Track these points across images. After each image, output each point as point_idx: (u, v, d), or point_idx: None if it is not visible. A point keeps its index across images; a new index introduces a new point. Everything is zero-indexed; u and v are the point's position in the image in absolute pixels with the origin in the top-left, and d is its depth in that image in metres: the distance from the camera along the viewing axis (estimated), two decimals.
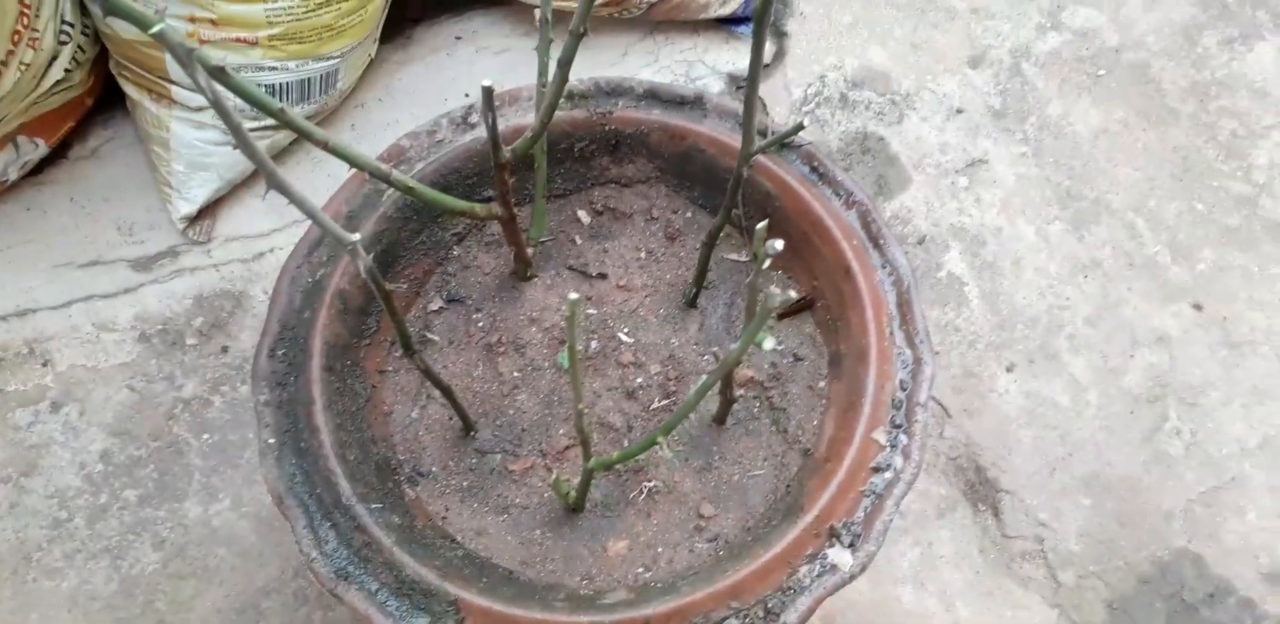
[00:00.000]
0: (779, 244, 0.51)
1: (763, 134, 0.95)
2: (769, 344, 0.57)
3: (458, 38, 1.45)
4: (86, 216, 1.34)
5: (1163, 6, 1.51)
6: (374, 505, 0.82)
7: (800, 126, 0.66)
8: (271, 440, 0.84)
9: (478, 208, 0.85)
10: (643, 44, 1.44)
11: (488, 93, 0.73)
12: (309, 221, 0.79)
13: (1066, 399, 1.28)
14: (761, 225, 0.57)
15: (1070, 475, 1.24)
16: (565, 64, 0.73)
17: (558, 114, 0.92)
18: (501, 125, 0.94)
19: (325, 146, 0.68)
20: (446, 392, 0.86)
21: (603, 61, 1.43)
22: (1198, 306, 1.32)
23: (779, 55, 1.46)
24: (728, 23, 1.44)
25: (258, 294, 1.31)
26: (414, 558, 0.80)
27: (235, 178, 1.33)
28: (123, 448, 1.22)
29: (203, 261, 1.33)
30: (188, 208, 1.30)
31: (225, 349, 1.28)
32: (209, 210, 1.34)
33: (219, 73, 0.54)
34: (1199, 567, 1.21)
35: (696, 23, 1.44)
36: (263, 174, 0.57)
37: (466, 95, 1.40)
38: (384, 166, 0.74)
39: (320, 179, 1.36)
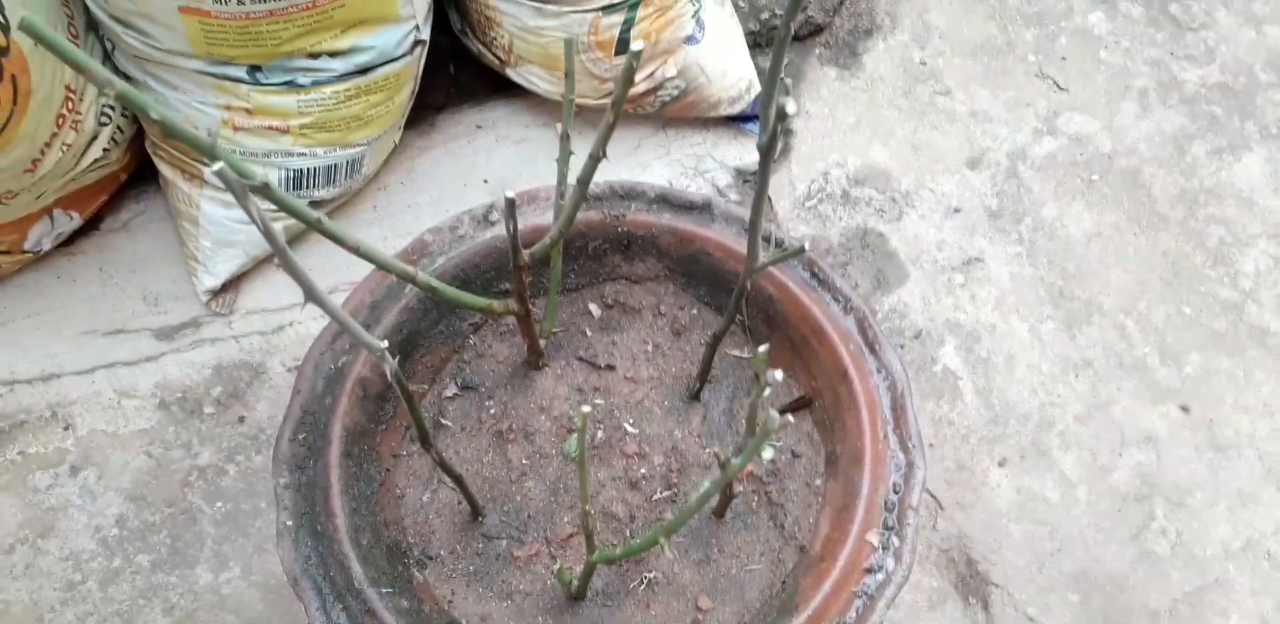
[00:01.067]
0: (779, 374, 0.55)
1: (767, 241, 1.00)
2: (768, 455, 0.62)
3: (478, 126, 1.51)
4: (114, 286, 1.39)
5: (1154, 116, 1.57)
6: (385, 589, 0.85)
7: (801, 250, 0.71)
8: (289, 522, 0.87)
9: (495, 304, 0.90)
10: (655, 138, 1.51)
11: (510, 203, 0.78)
12: None
13: (1056, 495, 1.31)
14: (763, 350, 0.61)
15: (1059, 571, 1.27)
16: (584, 182, 0.78)
17: None
18: (520, 224, 0.99)
19: (357, 251, 0.72)
20: (458, 480, 0.89)
21: (616, 153, 1.49)
22: (1185, 408, 1.36)
23: (784, 151, 1.52)
24: (737, 120, 1.51)
25: (275, 366, 1.35)
26: None
27: (259, 254, 1.37)
28: (138, 513, 1.25)
29: (224, 333, 1.37)
30: (212, 281, 1.35)
31: (242, 419, 1.32)
32: (233, 284, 1.39)
33: (263, 189, 0.59)
34: None
35: (707, 119, 1.51)
36: (302, 290, 0.61)
37: (485, 181, 1.46)
38: (410, 269, 0.78)
39: (340, 257, 1.40)
